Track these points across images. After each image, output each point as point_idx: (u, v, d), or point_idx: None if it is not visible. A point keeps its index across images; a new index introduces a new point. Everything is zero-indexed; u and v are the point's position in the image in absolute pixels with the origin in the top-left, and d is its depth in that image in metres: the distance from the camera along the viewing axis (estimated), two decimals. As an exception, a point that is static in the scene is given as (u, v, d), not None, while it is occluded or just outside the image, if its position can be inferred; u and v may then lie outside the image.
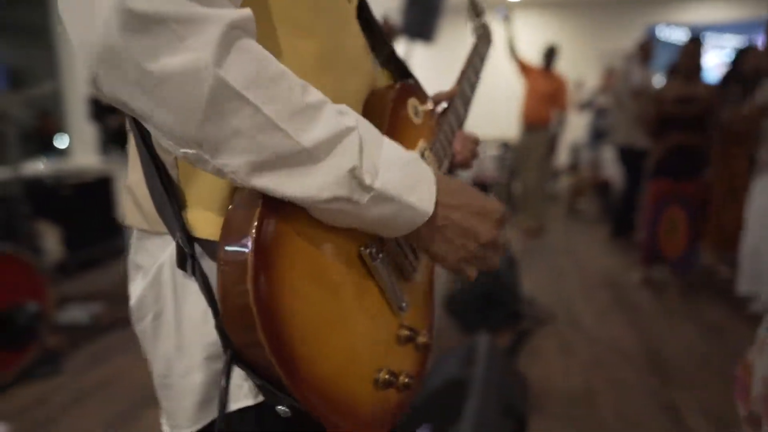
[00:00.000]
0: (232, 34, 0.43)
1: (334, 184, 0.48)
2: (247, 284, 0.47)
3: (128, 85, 0.42)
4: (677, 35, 8.02)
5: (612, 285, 3.78)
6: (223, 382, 0.53)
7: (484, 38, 1.00)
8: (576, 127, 7.10)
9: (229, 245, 0.50)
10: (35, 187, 3.85)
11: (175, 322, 0.58)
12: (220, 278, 0.50)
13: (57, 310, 2.90)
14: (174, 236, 0.56)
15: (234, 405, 0.56)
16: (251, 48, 0.45)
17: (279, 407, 0.52)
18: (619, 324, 3.09)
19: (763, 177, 3.15)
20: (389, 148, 0.54)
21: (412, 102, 0.73)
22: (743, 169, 3.53)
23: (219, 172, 0.47)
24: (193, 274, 0.55)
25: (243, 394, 0.55)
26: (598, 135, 6.72)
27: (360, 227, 0.55)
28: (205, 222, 0.55)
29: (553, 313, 3.18)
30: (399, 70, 0.84)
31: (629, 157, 4.67)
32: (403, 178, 0.53)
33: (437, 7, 3.98)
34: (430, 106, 0.79)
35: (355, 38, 0.68)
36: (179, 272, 0.57)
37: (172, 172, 0.57)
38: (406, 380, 0.61)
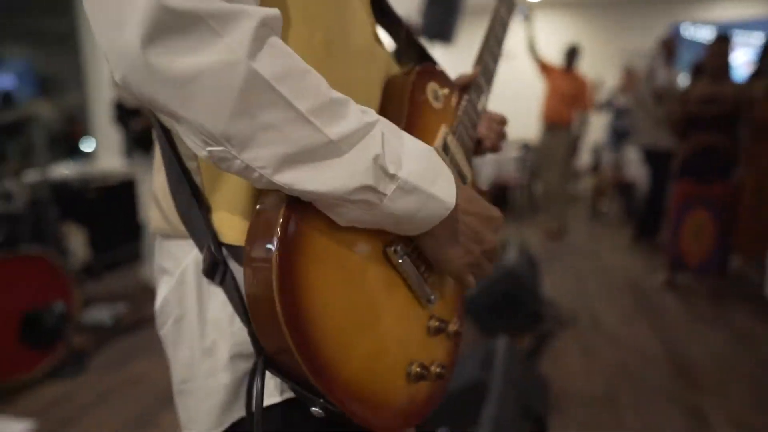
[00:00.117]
0: (264, 30, 0.44)
1: (360, 174, 0.48)
2: (272, 285, 0.47)
3: (160, 82, 0.42)
4: (703, 34, 7.86)
5: (635, 288, 3.71)
6: (257, 385, 0.53)
7: (506, 3, 0.94)
8: (595, 128, 7.00)
9: (255, 246, 0.50)
10: (62, 190, 3.94)
11: (199, 324, 0.58)
12: (247, 281, 0.51)
13: (82, 310, 2.96)
14: (200, 243, 0.57)
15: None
16: (278, 44, 0.45)
17: (313, 408, 0.52)
18: (643, 327, 3.03)
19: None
20: (409, 141, 0.54)
21: (432, 86, 0.72)
22: None
23: (245, 169, 0.46)
24: (222, 281, 0.56)
25: (269, 392, 0.56)
26: (618, 136, 6.61)
27: (379, 225, 0.54)
28: (230, 227, 0.56)
29: (574, 315, 3.14)
30: (419, 56, 0.83)
31: (654, 158, 4.58)
32: (425, 168, 0.53)
33: (457, 8, 3.97)
34: (451, 89, 0.77)
35: (363, 29, 0.68)
36: (204, 277, 0.57)
37: (196, 179, 0.58)
38: (438, 370, 0.61)
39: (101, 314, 3.16)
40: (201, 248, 0.57)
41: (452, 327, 0.66)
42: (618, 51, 7.97)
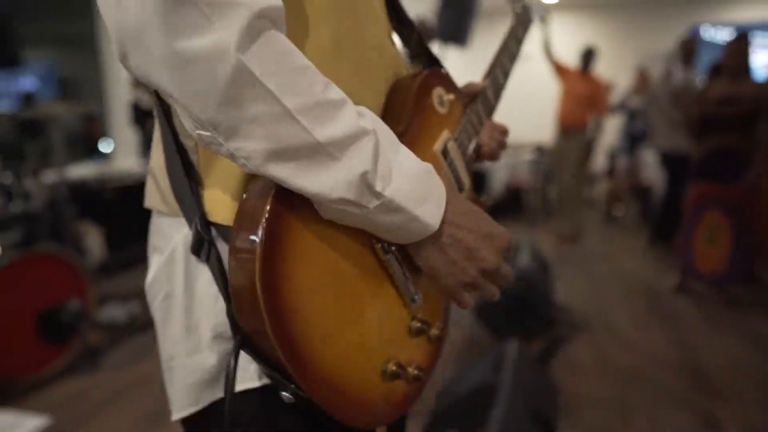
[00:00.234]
0: (261, 22, 0.44)
1: (344, 186, 0.48)
2: (255, 274, 0.47)
3: (154, 62, 0.43)
4: (723, 35, 7.75)
5: (650, 293, 3.67)
6: (231, 363, 0.53)
7: (522, 20, 0.94)
8: (609, 130, 6.93)
9: (240, 234, 0.51)
10: (80, 190, 4.01)
11: (185, 302, 0.59)
12: (231, 266, 0.51)
13: (97, 308, 3.01)
14: (190, 221, 0.57)
15: (239, 386, 0.56)
16: (277, 39, 0.45)
17: (283, 393, 0.52)
18: (657, 333, 2.99)
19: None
20: (404, 156, 0.54)
21: (438, 91, 0.72)
22: None
23: (231, 157, 0.47)
24: (207, 259, 0.56)
25: (249, 376, 0.56)
26: (633, 139, 6.53)
27: (366, 229, 0.55)
28: (222, 207, 0.56)
29: (588, 320, 3.11)
30: (429, 60, 0.83)
31: (671, 162, 4.52)
32: (414, 189, 0.53)
33: (472, 11, 3.95)
34: (457, 95, 0.77)
35: (378, 27, 0.68)
36: (192, 254, 0.58)
37: (193, 158, 0.59)
38: (416, 372, 0.61)
39: (116, 312, 3.20)
40: (191, 226, 0.58)
41: (434, 331, 0.66)
42: (634, 53, 7.88)
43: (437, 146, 0.69)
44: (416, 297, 0.63)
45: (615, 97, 6.85)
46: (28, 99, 5.30)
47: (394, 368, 0.59)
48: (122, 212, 4.26)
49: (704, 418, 2.13)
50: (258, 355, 0.53)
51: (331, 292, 0.53)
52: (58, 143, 3.19)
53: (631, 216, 6.33)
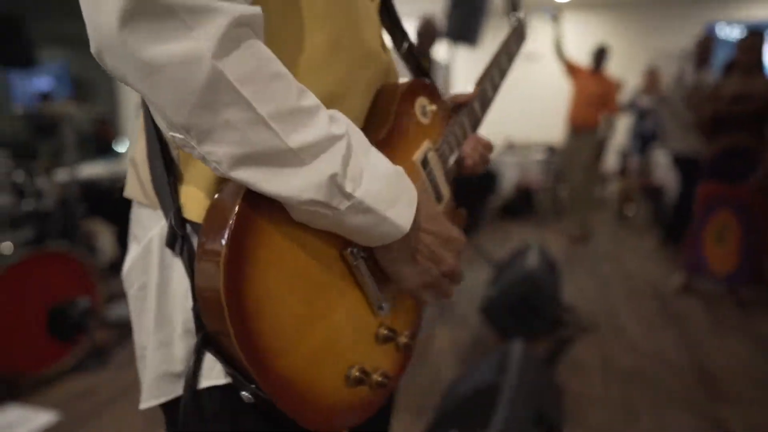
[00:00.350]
0: (239, 29, 0.44)
1: (314, 188, 0.49)
2: (219, 275, 0.48)
3: (130, 64, 0.44)
4: (738, 34, 7.63)
5: (659, 294, 3.62)
6: (191, 362, 0.54)
7: (516, 35, 0.94)
8: (620, 130, 6.87)
9: (207, 234, 0.51)
10: (92, 188, 4.05)
11: (158, 294, 0.60)
12: (197, 267, 0.52)
13: (106, 306, 3.04)
14: (167, 214, 0.58)
15: (204, 383, 0.57)
16: (253, 45, 0.46)
17: (243, 393, 0.53)
18: (666, 335, 2.96)
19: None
20: (376, 159, 0.55)
21: (421, 101, 0.72)
22: None
23: (203, 160, 0.48)
24: (181, 253, 0.57)
25: (214, 374, 0.57)
26: (644, 139, 6.45)
27: (337, 232, 0.55)
28: (196, 204, 0.57)
29: (595, 321, 3.08)
30: (417, 71, 0.83)
31: (684, 164, 4.46)
32: (385, 191, 0.54)
33: (481, 10, 3.93)
34: (440, 106, 0.77)
35: (373, 32, 0.68)
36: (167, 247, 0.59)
37: (174, 153, 0.59)
38: (380, 379, 0.61)
39: (125, 311, 3.22)
40: (167, 219, 0.59)
41: (402, 339, 0.66)
42: (647, 52, 7.79)
43: (417, 156, 0.69)
44: (384, 305, 0.63)
45: (624, 96, 6.78)
46: (44, 98, 5.38)
47: (357, 374, 0.59)
48: (133, 211, 4.30)
49: (710, 420, 2.10)
50: (221, 354, 0.54)
51: (297, 297, 0.53)
52: (70, 142, 3.23)
53: (642, 216, 6.27)
